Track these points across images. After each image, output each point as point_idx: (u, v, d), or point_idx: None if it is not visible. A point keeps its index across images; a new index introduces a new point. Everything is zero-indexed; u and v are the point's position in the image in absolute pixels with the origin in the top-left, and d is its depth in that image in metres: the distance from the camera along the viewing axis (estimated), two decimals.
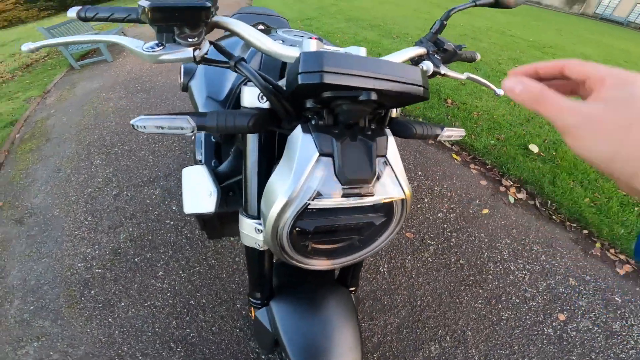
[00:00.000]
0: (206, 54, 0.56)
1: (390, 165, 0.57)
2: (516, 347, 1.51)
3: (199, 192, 0.82)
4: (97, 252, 1.96)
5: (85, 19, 0.53)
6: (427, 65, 0.79)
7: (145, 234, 2.02)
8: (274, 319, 0.83)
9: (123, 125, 3.16)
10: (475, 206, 2.17)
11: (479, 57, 0.97)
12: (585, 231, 2.01)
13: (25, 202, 2.37)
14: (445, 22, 0.83)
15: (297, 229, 0.58)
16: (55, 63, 5.51)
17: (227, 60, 0.58)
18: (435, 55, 0.83)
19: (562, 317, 1.61)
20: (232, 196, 0.88)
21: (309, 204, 0.53)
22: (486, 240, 1.95)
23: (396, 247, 1.91)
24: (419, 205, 2.17)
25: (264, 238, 0.66)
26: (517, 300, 1.66)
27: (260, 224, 0.68)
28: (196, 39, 0.52)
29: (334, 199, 0.54)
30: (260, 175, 0.68)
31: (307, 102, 0.54)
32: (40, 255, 1.98)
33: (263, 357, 1.48)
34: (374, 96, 0.48)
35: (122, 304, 1.70)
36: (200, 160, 1.21)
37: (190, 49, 0.53)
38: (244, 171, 0.70)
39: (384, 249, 1.91)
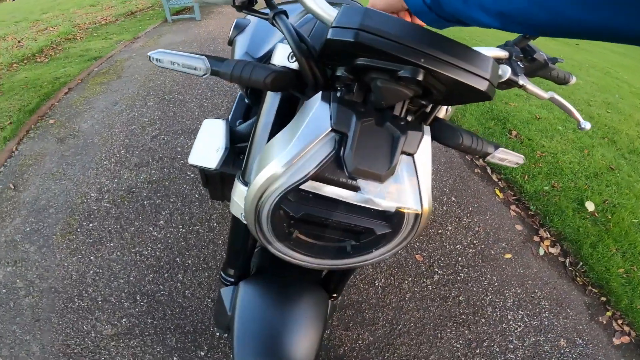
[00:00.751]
0: (247, 2, 0.53)
1: (415, 168, 0.48)
2: None
3: (208, 145, 0.80)
4: (114, 185, 2.08)
5: None
6: (504, 69, 0.63)
7: (164, 180, 2.10)
8: (235, 303, 0.78)
9: (185, 78, 3.35)
10: (500, 248, 1.96)
11: (574, 80, 0.81)
12: (603, 299, 1.81)
13: (74, 125, 2.62)
14: None
15: (282, 209, 0.49)
16: (154, 14, 6.05)
17: (266, 14, 0.54)
18: (518, 63, 0.71)
19: None
20: (241, 159, 0.83)
21: (301, 182, 0.45)
22: (496, 284, 1.77)
23: (400, 265, 1.79)
24: (439, 231, 2.01)
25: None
26: (497, 350, 1.52)
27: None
28: None
29: (333, 187, 0.46)
30: (269, 140, 0.61)
31: (339, 70, 0.47)
32: (63, 177, 2.14)
33: (217, 334, 1.45)
34: (420, 75, 0.38)
35: (112, 244, 1.76)
36: (227, 118, 1.20)
37: None
38: (253, 132, 0.65)
39: (387, 262, 1.80)
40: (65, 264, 1.67)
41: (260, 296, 0.78)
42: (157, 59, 0.50)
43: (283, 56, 0.57)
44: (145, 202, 1.96)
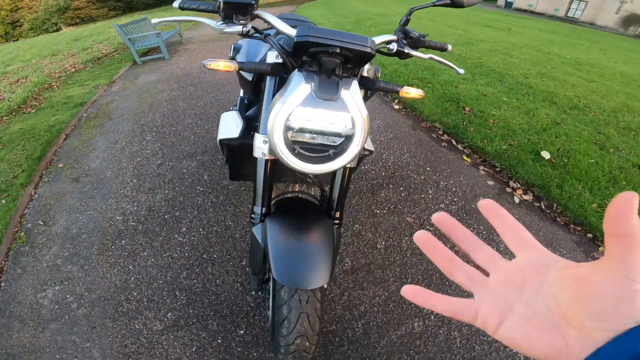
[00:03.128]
0: (249, 31, 0.90)
1: (352, 96, 0.84)
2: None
3: (230, 125, 1.20)
4: (135, 208, 2.31)
5: (183, 9, 0.93)
6: (393, 45, 1.05)
7: (178, 196, 2.36)
8: (265, 234, 1.01)
9: (173, 111, 3.62)
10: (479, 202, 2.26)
11: (450, 48, 1.21)
12: (589, 235, 2.01)
13: (84, 165, 2.83)
14: (409, 18, 1.11)
15: (289, 129, 0.86)
16: (121, 58, 6.24)
17: (260, 35, 0.95)
18: (403, 40, 1.10)
19: None
20: (253, 134, 1.15)
21: (294, 109, 0.82)
22: (484, 232, 2.00)
23: (395, 228, 2.03)
24: (422, 196, 2.31)
25: (268, 143, 0.97)
26: None
27: (266, 137, 0.97)
28: (245, 21, 0.90)
29: (312, 108, 0.82)
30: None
31: (304, 57, 0.85)
32: (87, 208, 2.35)
33: (252, 313, 1.63)
34: (337, 50, 0.77)
35: (145, 253, 1.96)
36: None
37: (241, 27, 0.89)
38: (262, 102, 1.04)
39: (384, 227, 2.05)
40: (109, 276, 1.84)
41: (285, 225, 1.04)
42: (207, 65, 0.89)
43: (273, 56, 0.98)
44: (166, 216, 2.20)
